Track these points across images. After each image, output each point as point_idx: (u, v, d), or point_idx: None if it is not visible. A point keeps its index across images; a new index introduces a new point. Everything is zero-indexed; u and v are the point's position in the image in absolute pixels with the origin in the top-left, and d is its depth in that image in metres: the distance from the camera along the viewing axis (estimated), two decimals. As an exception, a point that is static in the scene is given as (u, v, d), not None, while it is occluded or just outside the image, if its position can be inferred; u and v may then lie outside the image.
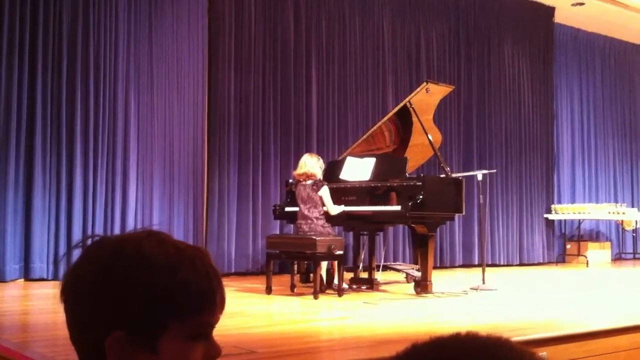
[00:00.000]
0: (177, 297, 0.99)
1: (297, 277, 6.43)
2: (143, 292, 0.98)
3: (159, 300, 0.98)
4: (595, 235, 12.13)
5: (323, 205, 6.07)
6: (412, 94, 6.67)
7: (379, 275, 6.77)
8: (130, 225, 7.26)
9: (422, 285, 6.00)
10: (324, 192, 6.05)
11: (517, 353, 0.78)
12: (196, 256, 1.03)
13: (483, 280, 6.62)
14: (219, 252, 7.72)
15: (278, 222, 7.87)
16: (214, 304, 1.03)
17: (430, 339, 0.80)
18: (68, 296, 1.03)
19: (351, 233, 7.32)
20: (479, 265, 7.78)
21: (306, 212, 6.04)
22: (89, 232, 6.98)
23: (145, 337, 0.98)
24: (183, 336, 1.00)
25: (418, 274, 6.26)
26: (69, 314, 1.03)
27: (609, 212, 11.24)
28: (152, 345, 0.98)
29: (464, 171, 9.00)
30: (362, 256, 6.90)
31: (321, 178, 6.19)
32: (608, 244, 11.89)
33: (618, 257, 12.23)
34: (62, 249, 6.81)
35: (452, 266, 9.72)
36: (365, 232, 6.81)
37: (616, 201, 12.15)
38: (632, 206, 12.44)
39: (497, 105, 10.59)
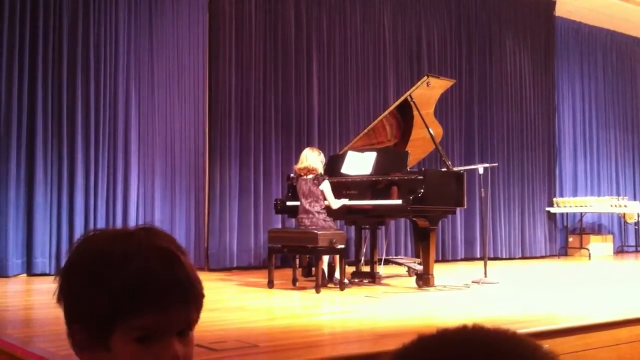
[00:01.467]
0: (121, 297, 0.97)
1: (299, 271, 6.44)
2: (92, 290, 0.99)
3: (105, 299, 0.97)
4: (597, 228, 12.13)
5: (324, 199, 6.08)
6: (413, 88, 6.67)
7: (381, 269, 6.78)
8: (132, 221, 7.26)
9: (423, 279, 6.01)
10: (325, 186, 6.05)
11: (523, 345, 0.79)
12: (151, 255, 1.00)
13: (485, 273, 6.63)
14: (221, 247, 7.73)
15: (280, 216, 7.87)
16: (164, 306, 0.99)
17: (437, 331, 0.80)
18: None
19: (353, 227, 7.33)
20: (480, 259, 7.79)
21: (307, 206, 6.04)
22: (91, 227, 7.00)
23: (97, 334, 0.99)
24: (131, 337, 0.98)
25: (420, 268, 6.27)
26: None
27: (611, 205, 11.22)
28: (104, 342, 0.99)
29: (465, 165, 8.99)
30: (364, 250, 6.91)
31: (322, 172, 6.19)
32: (610, 237, 11.89)
33: (620, 250, 12.23)
34: (64, 244, 6.83)
35: (454, 260, 9.73)
36: (367, 226, 6.81)
37: (618, 194, 12.14)
38: (634, 199, 12.44)
39: (498, 98, 10.58)
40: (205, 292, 1.08)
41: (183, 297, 1.01)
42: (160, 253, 1.01)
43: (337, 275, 6.05)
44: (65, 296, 1.02)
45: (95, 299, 0.98)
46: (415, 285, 6.04)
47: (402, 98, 6.70)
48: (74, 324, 1.00)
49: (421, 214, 5.97)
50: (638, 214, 12.00)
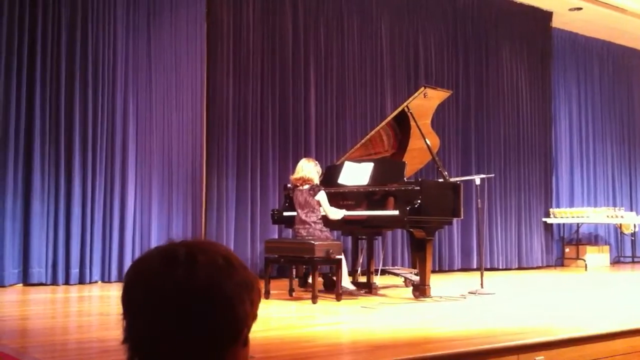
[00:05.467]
0: (255, 306, 1.20)
1: (295, 282, 6.44)
2: (249, 303, 1.18)
3: (250, 309, 1.17)
4: (593, 239, 12.14)
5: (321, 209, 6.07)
6: (410, 99, 6.69)
7: (378, 280, 6.78)
8: (129, 230, 7.26)
9: (420, 290, 6.01)
10: (321, 196, 6.04)
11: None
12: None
13: (481, 284, 6.63)
14: (218, 257, 7.71)
15: (276, 226, 7.87)
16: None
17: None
18: (159, 302, 1.12)
19: (349, 237, 7.33)
20: (477, 269, 7.80)
21: (304, 216, 6.03)
22: (87, 237, 7.00)
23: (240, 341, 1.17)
24: (243, 340, 1.18)
25: (416, 278, 6.27)
26: (154, 317, 1.12)
27: (608, 216, 11.25)
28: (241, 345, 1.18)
29: (462, 175, 9.02)
30: (361, 260, 6.91)
31: (318, 183, 6.19)
32: (607, 247, 11.90)
33: (617, 261, 12.24)
34: (61, 254, 6.82)
35: (451, 270, 9.73)
36: (364, 237, 6.82)
37: (615, 205, 12.17)
38: (631, 210, 12.46)
39: (495, 109, 10.61)
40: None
41: None
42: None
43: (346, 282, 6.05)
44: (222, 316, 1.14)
45: (249, 309, 1.18)
46: (412, 296, 6.04)
47: (400, 109, 6.72)
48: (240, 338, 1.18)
49: (418, 225, 5.98)
50: (634, 224, 12.02)
